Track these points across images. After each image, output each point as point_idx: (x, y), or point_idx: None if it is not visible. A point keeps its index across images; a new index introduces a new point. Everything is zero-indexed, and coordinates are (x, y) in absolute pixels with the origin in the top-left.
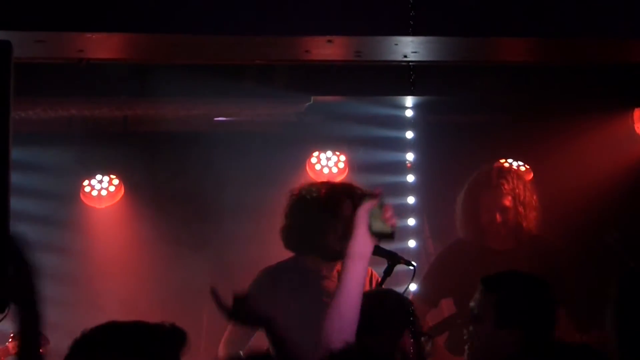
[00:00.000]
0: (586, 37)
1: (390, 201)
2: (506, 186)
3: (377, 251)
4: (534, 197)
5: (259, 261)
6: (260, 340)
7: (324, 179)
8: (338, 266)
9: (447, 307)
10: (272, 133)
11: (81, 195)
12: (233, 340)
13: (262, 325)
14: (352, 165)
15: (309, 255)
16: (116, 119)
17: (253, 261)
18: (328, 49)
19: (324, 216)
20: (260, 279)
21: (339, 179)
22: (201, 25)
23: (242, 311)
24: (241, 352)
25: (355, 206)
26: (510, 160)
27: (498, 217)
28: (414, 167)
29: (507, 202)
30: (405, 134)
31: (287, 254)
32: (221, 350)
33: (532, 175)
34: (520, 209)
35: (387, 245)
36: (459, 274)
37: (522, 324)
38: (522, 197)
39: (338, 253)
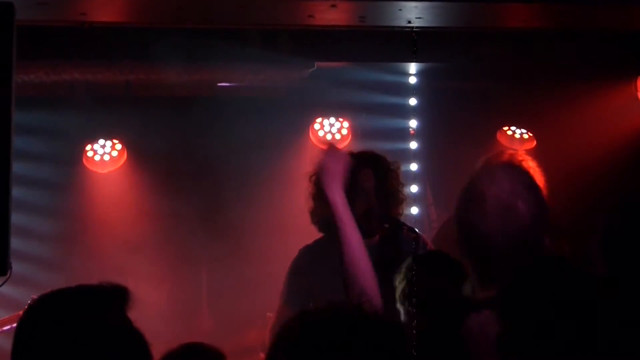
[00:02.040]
0: (590, 4)
1: None
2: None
3: (380, 219)
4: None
5: (263, 225)
6: None
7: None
8: (375, 239)
9: None
10: (276, 98)
11: (84, 160)
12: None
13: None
14: (355, 132)
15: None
16: (119, 83)
17: (256, 225)
18: (332, 13)
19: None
20: (300, 258)
21: (342, 145)
22: None
23: None
24: None
25: (376, 175)
26: (513, 128)
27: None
28: (417, 134)
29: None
30: (408, 100)
31: (289, 218)
32: (269, 336)
33: (535, 142)
34: None
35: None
36: None
37: None
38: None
39: (365, 231)
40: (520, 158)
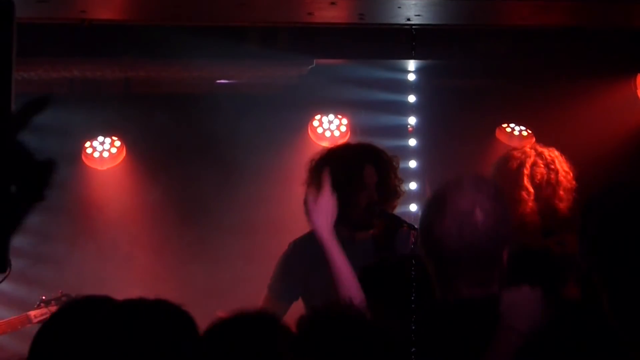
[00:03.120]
0: (589, 1)
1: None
2: (554, 178)
3: (381, 215)
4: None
5: (261, 223)
6: None
7: (329, 142)
8: (370, 232)
9: None
10: (274, 96)
11: (83, 157)
12: None
13: (299, 296)
14: (354, 129)
15: (337, 224)
16: (118, 81)
17: (254, 223)
18: (331, 11)
19: (345, 187)
20: (290, 251)
21: (340, 142)
22: None
23: None
24: None
25: (378, 171)
26: (512, 125)
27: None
28: (416, 131)
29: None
30: (407, 97)
31: (287, 216)
32: None
33: (534, 139)
34: (562, 192)
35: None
36: None
37: None
38: (565, 183)
39: (366, 223)
40: (540, 150)
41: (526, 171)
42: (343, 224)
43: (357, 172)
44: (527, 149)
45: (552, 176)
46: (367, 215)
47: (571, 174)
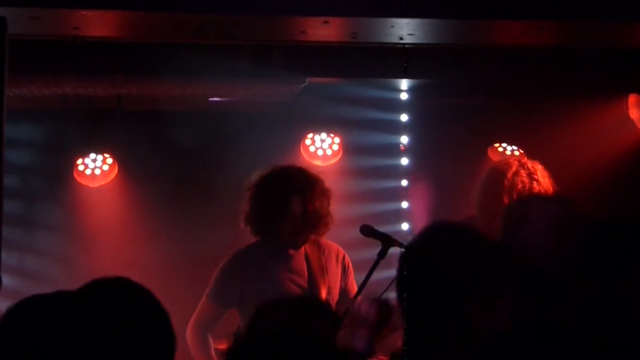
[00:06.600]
0: (581, 21)
1: (384, 184)
2: (537, 189)
3: (371, 233)
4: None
5: (251, 240)
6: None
7: (321, 161)
8: (301, 250)
9: None
10: (267, 114)
11: (75, 174)
12: (204, 320)
13: (236, 304)
14: (347, 147)
15: (271, 240)
16: (110, 98)
17: (244, 240)
18: (324, 29)
19: (271, 216)
20: (234, 261)
21: (332, 160)
22: (197, 4)
23: None
24: (209, 335)
25: (304, 203)
26: (504, 145)
27: None
28: (408, 150)
29: None
30: (399, 116)
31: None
32: (191, 332)
33: (525, 159)
34: None
35: (381, 228)
36: None
37: None
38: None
39: (293, 244)
40: (523, 161)
41: (506, 181)
42: (275, 242)
43: (283, 203)
44: (510, 160)
45: (535, 186)
46: (294, 241)
47: (551, 188)
